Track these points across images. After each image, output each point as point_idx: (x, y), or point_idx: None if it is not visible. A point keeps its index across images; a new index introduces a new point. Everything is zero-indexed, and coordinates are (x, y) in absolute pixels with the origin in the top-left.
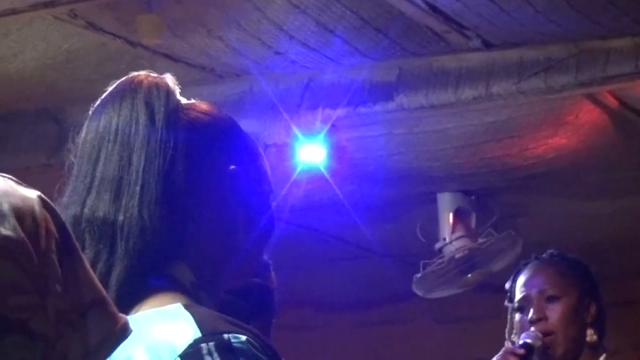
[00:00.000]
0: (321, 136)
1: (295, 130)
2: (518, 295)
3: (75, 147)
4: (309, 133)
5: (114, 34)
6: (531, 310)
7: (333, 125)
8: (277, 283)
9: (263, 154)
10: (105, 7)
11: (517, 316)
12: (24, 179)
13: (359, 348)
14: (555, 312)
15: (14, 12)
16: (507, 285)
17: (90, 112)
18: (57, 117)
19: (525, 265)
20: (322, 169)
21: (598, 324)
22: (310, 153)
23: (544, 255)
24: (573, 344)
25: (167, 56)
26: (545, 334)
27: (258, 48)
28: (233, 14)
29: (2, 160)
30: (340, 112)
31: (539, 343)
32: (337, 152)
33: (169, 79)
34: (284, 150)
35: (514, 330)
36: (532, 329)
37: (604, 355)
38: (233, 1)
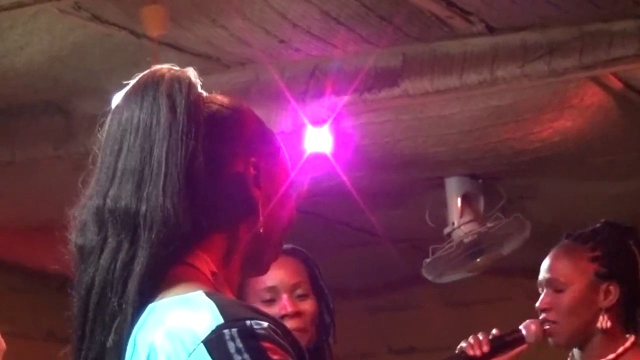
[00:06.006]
0: (328, 123)
1: (302, 118)
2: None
3: (98, 139)
4: (316, 121)
5: (118, 26)
6: (540, 298)
7: (339, 113)
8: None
9: (283, 146)
10: None
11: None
12: (32, 170)
13: (370, 334)
14: (560, 302)
15: (20, 5)
16: None
17: (112, 105)
18: (64, 109)
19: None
20: (329, 157)
21: (618, 308)
22: (317, 141)
23: (573, 235)
24: (578, 333)
25: (172, 46)
26: (550, 323)
27: (262, 37)
28: (236, 3)
29: (11, 152)
30: (346, 99)
31: (532, 339)
32: (344, 139)
33: (191, 73)
34: (290, 138)
35: None
36: (540, 316)
37: (630, 340)
38: None
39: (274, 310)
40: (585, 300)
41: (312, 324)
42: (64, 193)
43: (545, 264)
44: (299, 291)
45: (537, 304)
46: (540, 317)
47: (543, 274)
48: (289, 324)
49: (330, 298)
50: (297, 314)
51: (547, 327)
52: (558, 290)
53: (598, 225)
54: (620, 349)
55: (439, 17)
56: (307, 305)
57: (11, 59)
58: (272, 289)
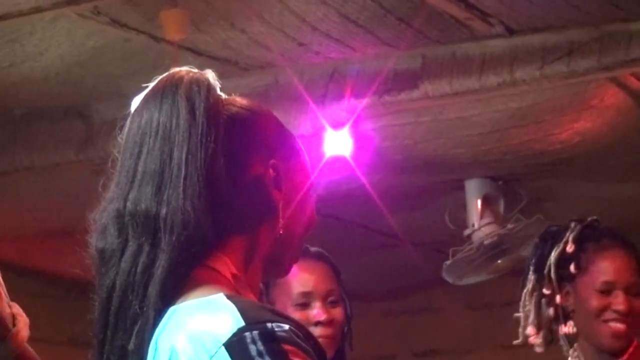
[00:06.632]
0: (347, 126)
1: (322, 121)
2: (602, 275)
3: (118, 143)
4: (335, 123)
5: (137, 30)
6: (619, 300)
7: (359, 115)
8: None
9: (303, 148)
10: (128, 3)
11: (587, 290)
12: (53, 175)
13: (391, 337)
14: (636, 306)
15: (38, 10)
16: (570, 249)
17: (132, 109)
18: (84, 114)
19: (598, 239)
20: (349, 159)
21: None
22: (337, 143)
23: (617, 235)
24: (632, 337)
25: (191, 50)
26: (628, 325)
27: (281, 40)
28: (255, 6)
29: (32, 157)
30: (365, 101)
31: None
32: (364, 141)
33: (210, 75)
34: (310, 141)
35: (572, 297)
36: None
37: (636, 341)
38: None
39: (306, 316)
40: None
41: (341, 331)
42: (84, 197)
43: (621, 265)
44: (331, 298)
45: (619, 307)
46: (615, 317)
47: (623, 276)
48: (322, 331)
49: (349, 305)
50: (330, 322)
51: (621, 325)
52: (636, 295)
53: (604, 225)
54: (631, 349)
55: (458, 19)
56: (338, 313)
57: (31, 64)
58: (307, 295)
